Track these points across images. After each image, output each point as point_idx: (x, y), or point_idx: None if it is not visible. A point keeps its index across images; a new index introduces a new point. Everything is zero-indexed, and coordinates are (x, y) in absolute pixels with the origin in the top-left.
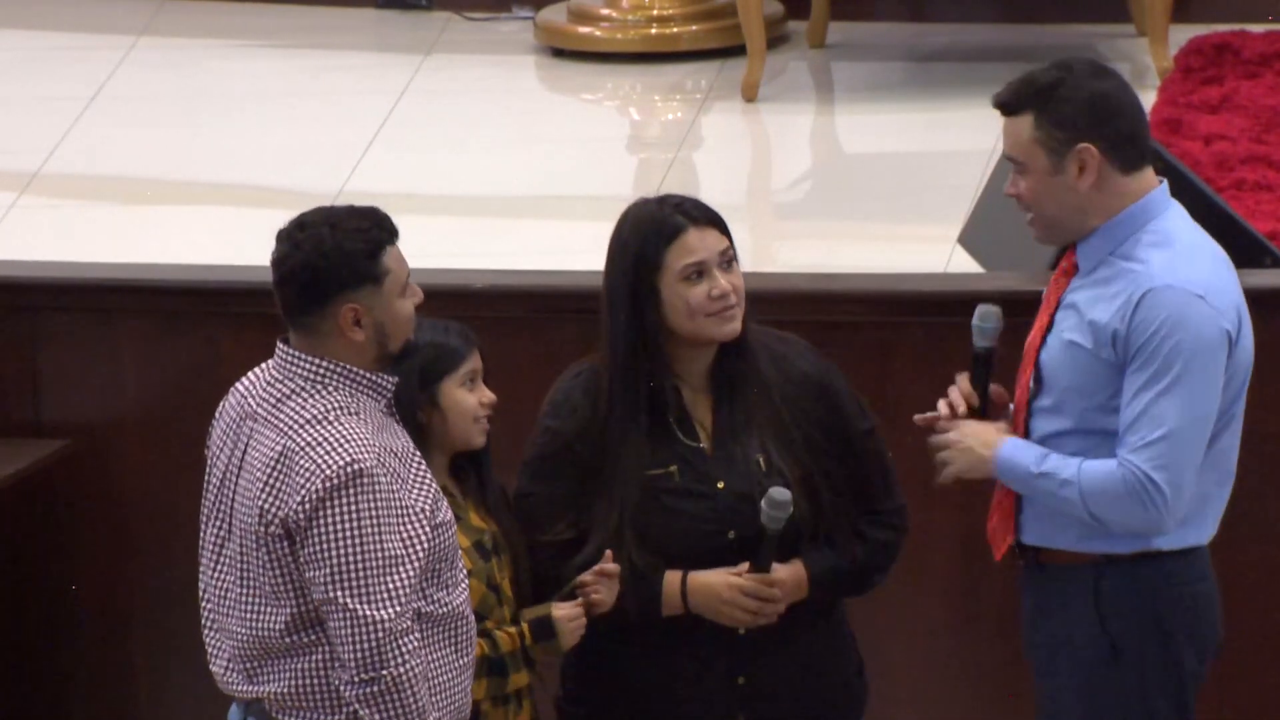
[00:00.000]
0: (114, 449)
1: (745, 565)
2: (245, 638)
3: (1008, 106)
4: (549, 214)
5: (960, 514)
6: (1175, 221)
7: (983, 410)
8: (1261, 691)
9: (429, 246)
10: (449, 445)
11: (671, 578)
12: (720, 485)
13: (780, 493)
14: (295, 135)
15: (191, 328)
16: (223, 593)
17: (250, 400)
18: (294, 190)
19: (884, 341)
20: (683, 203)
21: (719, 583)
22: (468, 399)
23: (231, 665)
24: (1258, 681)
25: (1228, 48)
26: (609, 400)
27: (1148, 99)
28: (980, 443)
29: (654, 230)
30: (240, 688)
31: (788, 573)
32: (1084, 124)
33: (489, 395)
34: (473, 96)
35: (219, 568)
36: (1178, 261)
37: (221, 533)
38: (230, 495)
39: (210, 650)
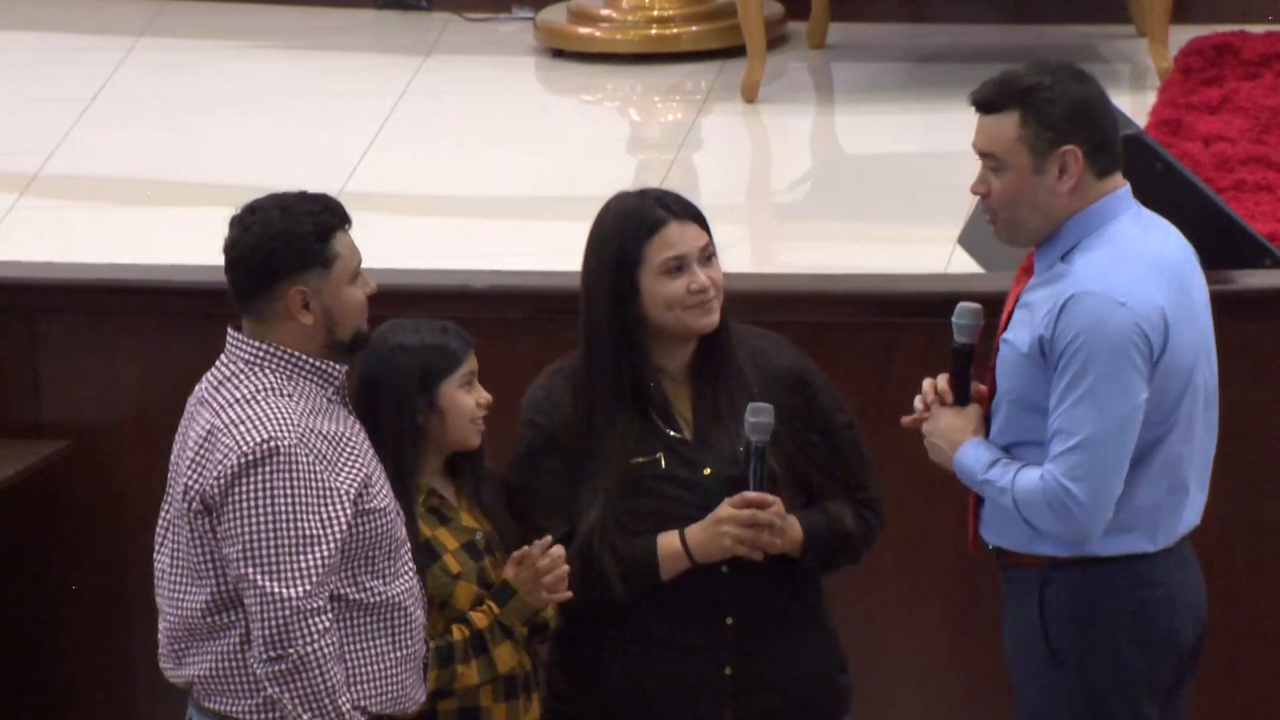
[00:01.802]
0: (114, 450)
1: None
2: (173, 618)
3: (991, 104)
4: (549, 215)
5: (958, 513)
6: (1123, 226)
7: (962, 405)
8: (1257, 691)
9: (429, 247)
10: (445, 446)
11: (667, 536)
12: (707, 471)
13: (761, 405)
14: (295, 136)
15: (191, 329)
16: (160, 574)
17: (202, 387)
18: (294, 191)
19: (884, 342)
20: (663, 196)
21: (714, 513)
22: (465, 400)
23: (165, 649)
24: (1254, 682)
25: (1228, 48)
26: (589, 393)
27: (1148, 100)
28: (948, 441)
29: (635, 224)
30: (172, 672)
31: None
32: (1070, 126)
33: (485, 396)
34: (473, 97)
35: (161, 550)
36: (1107, 267)
37: (168, 517)
38: (176, 479)
39: (159, 636)
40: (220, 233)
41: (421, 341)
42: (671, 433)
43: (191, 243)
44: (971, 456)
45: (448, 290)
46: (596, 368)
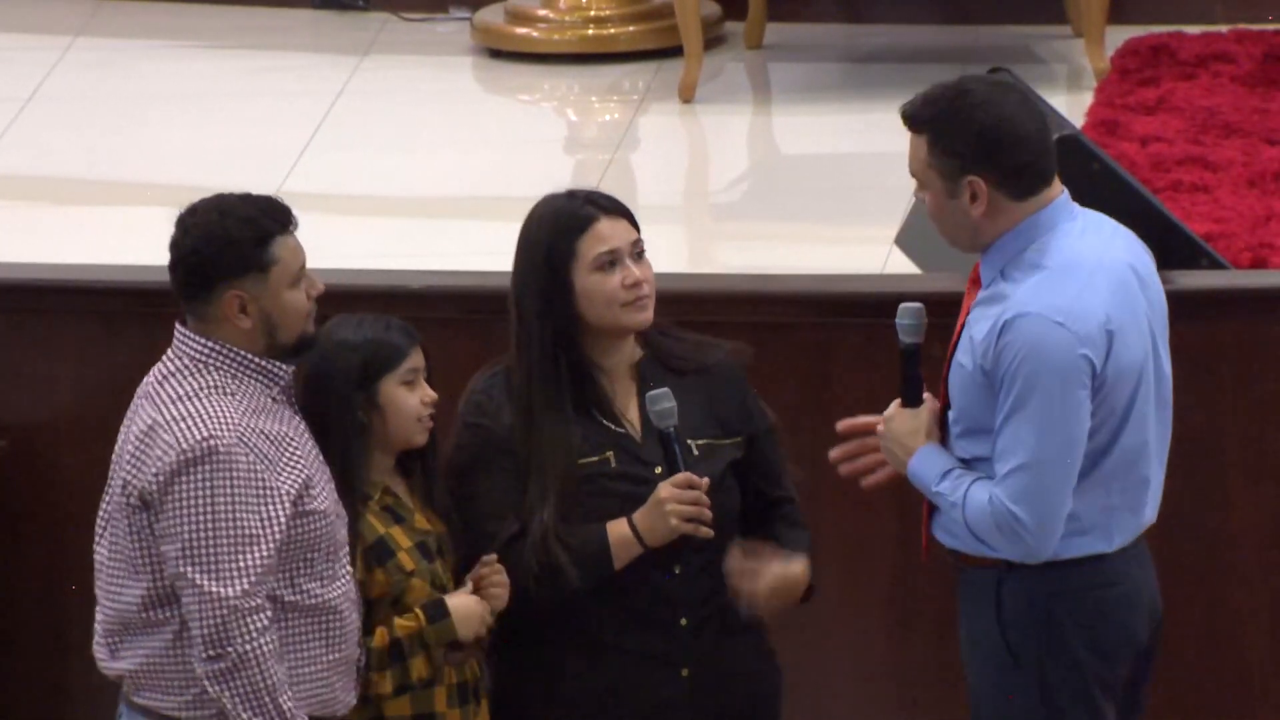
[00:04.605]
0: (50, 449)
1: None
2: (109, 610)
3: (909, 122)
4: (486, 214)
5: (895, 520)
6: (1059, 239)
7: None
8: (1204, 694)
9: (366, 247)
10: (391, 444)
11: (616, 524)
12: (658, 470)
13: (656, 394)
14: (233, 136)
15: (129, 329)
16: (99, 565)
17: (148, 380)
18: (231, 191)
19: (822, 342)
20: (592, 194)
21: (655, 494)
22: (408, 398)
23: (100, 639)
24: (1201, 684)
25: (1164, 49)
26: (527, 397)
27: (1084, 100)
28: (901, 446)
29: (565, 222)
30: (106, 664)
31: (794, 568)
32: (973, 156)
33: (430, 394)
34: (410, 97)
35: (100, 541)
36: (1043, 285)
37: (108, 509)
38: (116, 472)
39: (95, 626)
40: (158, 232)
41: (364, 337)
42: (620, 430)
43: (128, 242)
44: (925, 465)
45: (385, 290)
46: (532, 371)
